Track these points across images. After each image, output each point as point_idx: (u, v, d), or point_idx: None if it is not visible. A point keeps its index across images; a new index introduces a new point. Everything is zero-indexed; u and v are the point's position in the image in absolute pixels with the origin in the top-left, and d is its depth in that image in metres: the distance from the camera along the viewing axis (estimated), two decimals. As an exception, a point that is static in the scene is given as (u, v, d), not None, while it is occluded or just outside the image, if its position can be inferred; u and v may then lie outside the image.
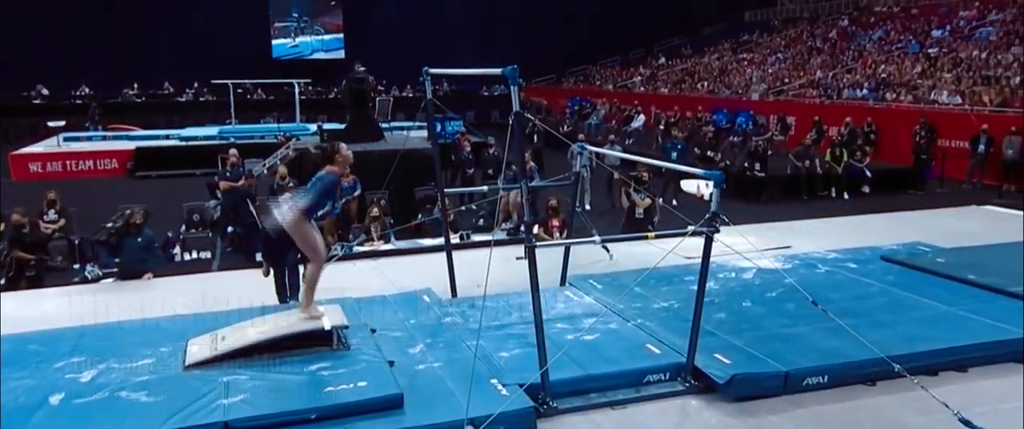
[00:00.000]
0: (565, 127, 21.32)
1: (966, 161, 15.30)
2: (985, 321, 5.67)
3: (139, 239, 8.37)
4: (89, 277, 9.50)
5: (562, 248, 8.77)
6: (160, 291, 7.93)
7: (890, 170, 15.47)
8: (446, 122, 19.76)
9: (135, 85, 28.30)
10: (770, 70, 24.30)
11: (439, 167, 7.75)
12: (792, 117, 19.35)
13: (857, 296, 6.43)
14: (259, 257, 7.64)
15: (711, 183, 8.80)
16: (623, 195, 10.68)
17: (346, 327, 5.81)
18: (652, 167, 9.86)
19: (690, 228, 5.10)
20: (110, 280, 8.89)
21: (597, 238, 5.25)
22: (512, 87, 4.86)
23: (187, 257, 11.30)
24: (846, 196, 14.45)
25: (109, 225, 8.52)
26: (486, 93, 30.75)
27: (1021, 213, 11.29)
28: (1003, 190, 14.14)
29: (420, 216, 12.11)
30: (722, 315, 6.21)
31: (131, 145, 19.80)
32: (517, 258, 5.09)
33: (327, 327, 5.73)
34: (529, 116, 5.24)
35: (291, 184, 11.15)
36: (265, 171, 13.49)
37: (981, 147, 14.93)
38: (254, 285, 7.79)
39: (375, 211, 9.83)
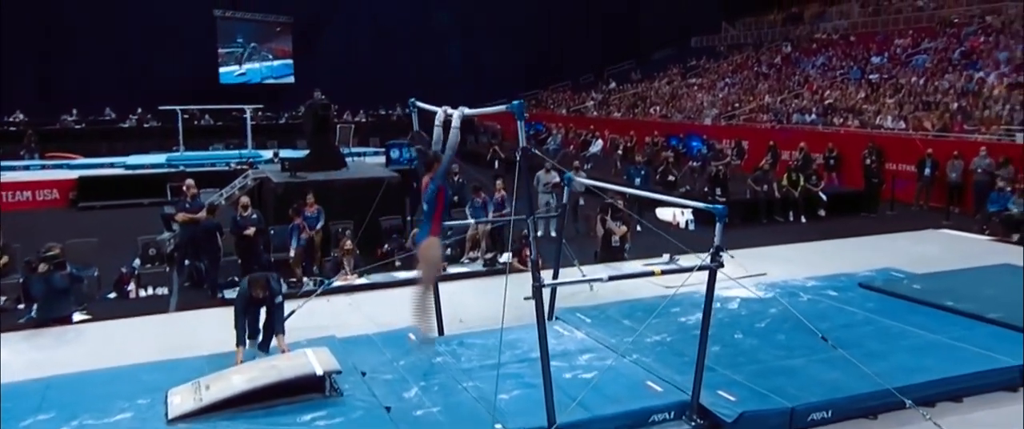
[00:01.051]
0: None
1: (913, 184, 15.85)
2: (974, 350, 5.78)
3: (56, 279, 7.69)
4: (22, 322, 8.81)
5: (546, 277, 8.69)
6: (118, 335, 7.49)
7: (843, 193, 15.90)
8: (404, 147, 19.48)
9: (74, 111, 27.20)
10: (720, 95, 24.86)
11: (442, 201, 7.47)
12: (746, 141, 19.77)
13: (844, 325, 6.48)
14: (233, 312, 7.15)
15: (688, 211, 8.84)
16: (599, 223, 10.64)
17: (338, 372, 5.56)
18: (625, 194, 9.86)
19: (697, 263, 5.03)
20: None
21: (604, 276, 5.13)
22: (519, 122, 4.76)
23: (143, 293, 10.78)
24: (803, 219, 14.77)
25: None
26: (440, 118, 30.60)
27: (975, 236, 11.76)
28: (949, 212, 14.66)
29: (387, 246, 11.89)
30: (717, 348, 6.16)
31: (73, 174, 18.93)
32: (525, 298, 4.93)
33: (319, 373, 5.47)
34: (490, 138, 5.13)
35: (254, 215, 10.79)
36: (223, 201, 13.01)
37: (927, 171, 15.49)
38: (216, 325, 7.43)
39: (347, 244, 9.53)
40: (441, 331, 6.97)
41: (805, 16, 30.67)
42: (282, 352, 6.56)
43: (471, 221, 9.19)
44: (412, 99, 6.77)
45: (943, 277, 7.93)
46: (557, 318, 7.20)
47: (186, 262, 10.97)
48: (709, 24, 33.50)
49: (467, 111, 5.43)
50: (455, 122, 5.38)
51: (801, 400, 5.06)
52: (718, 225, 5.05)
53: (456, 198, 14.43)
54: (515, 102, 4.79)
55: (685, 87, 27.61)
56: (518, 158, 4.78)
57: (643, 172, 14.62)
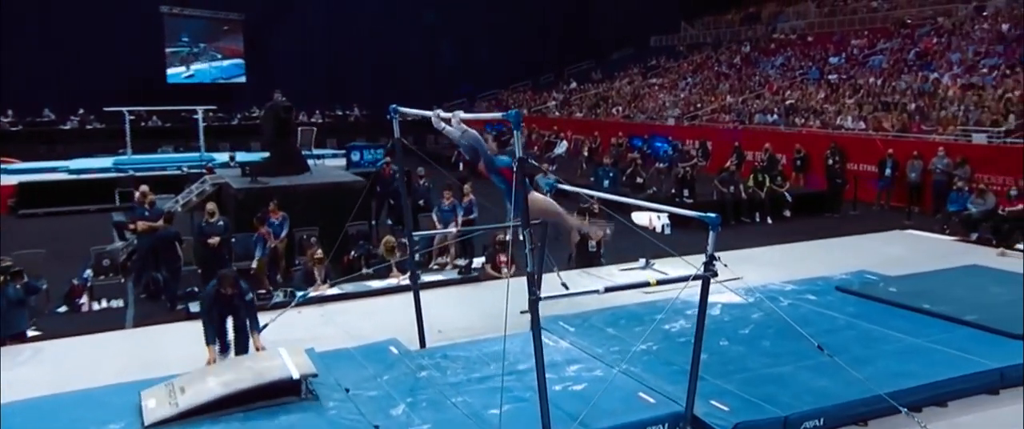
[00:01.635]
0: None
1: (874, 184, 16.29)
2: (954, 353, 5.96)
3: (11, 291, 7.42)
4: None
5: (517, 284, 8.68)
6: (79, 354, 7.23)
7: (807, 194, 16.26)
8: (365, 150, 19.28)
9: (9, 112, 26.19)
10: (682, 95, 25.19)
11: (408, 207, 7.43)
12: (709, 142, 20.06)
13: (827, 330, 6.62)
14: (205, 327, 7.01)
15: (664, 215, 8.91)
16: (574, 228, 10.63)
17: (314, 375, 5.46)
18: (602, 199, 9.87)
19: (693, 274, 5.07)
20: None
21: (601, 288, 5.12)
22: (516, 132, 4.73)
23: (96, 306, 10.42)
24: (770, 220, 15.06)
25: None
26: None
27: (938, 236, 12.16)
28: (911, 212, 15.11)
29: (353, 253, 11.73)
30: (705, 356, 6.14)
31: (13, 180, 18.20)
32: (522, 312, 4.91)
33: (295, 376, 5.37)
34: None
35: (220, 222, 10.52)
36: (180, 208, 12.65)
37: (887, 171, 15.94)
38: (182, 340, 7.25)
39: (318, 252, 9.37)
40: (422, 343, 6.91)
41: (763, 16, 31.27)
42: (257, 350, 6.52)
43: (450, 228, 9.04)
44: (393, 106, 6.67)
45: (915, 279, 8.17)
46: (541, 328, 7.17)
47: (144, 273, 10.65)
48: (668, 24, 33.92)
49: (463, 115, 5.41)
50: (455, 121, 5.41)
51: (794, 409, 5.15)
52: (711, 234, 5.09)
53: (422, 202, 14.38)
54: (512, 111, 4.76)
55: (646, 87, 27.90)
56: (514, 168, 4.75)
57: (611, 174, 14.72)
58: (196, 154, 21.17)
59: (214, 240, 9.90)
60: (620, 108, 25.97)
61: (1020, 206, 12.71)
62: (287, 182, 12.59)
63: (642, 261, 9.82)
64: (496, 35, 33.79)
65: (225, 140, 25.15)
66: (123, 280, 10.91)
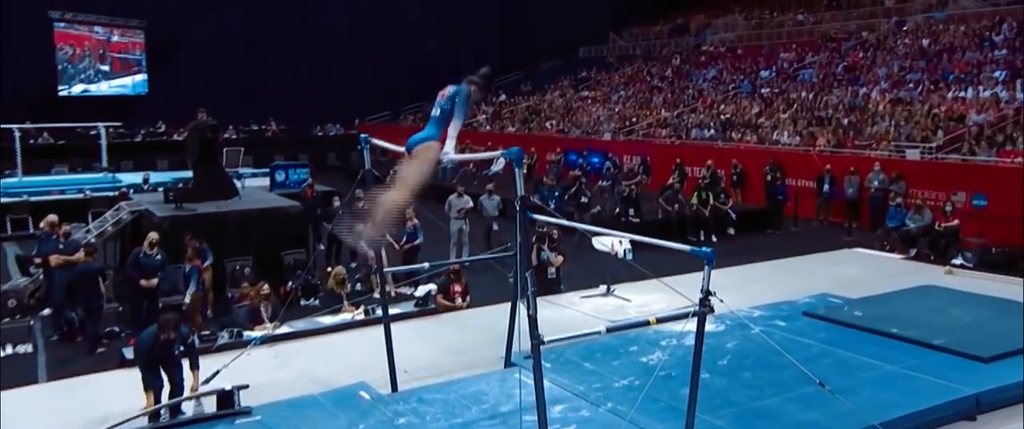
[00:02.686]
0: (418, 171, 21.06)
1: (813, 200, 17.06)
2: (931, 379, 6.30)
3: None
4: None
5: (474, 316, 8.70)
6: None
7: (749, 211, 16.85)
8: (290, 169, 18.80)
9: None
10: (616, 109, 25.72)
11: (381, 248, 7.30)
12: (646, 157, 20.54)
13: (804, 359, 6.83)
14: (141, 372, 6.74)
15: (626, 241, 9.07)
16: (534, 253, 10.70)
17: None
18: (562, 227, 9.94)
19: (690, 311, 5.19)
20: None
21: (603, 328, 5.17)
22: (516, 169, 4.75)
23: (1, 353, 9.76)
24: (714, 238, 15.52)
25: None
26: (320, 132, 29.77)
27: (884, 254, 12.82)
28: (850, 228, 15.89)
29: (290, 284, 11.43)
30: (686, 391, 6.36)
31: None
32: (526, 356, 4.88)
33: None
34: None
35: (158, 256, 10.05)
36: (94, 238, 12.01)
37: (826, 186, 16.72)
38: (113, 390, 6.93)
39: (265, 288, 9.08)
40: (395, 387, 6.79)
41: (691, 27, 32.36)
42: (193, 390, 6.63)
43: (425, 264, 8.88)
44: (364, 136, 6.57)
45: (876, 302, 8.59)
46: (513, 363, 7.19)
47: (60, 313, 10.06)
48: (596, 34, 34.62)
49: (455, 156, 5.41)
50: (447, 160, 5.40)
51: (791, 445, 5.32)
52: (706, 269, 5.22)
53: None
54: (513, 149, 4.78)
55: (578, 100, 28.37)
56: (517, 208, 4.77)
57: (557, 194, 14.87)
58: (99, 175, 20.18)
59: (151, 282, 9.46)
60: (554, 122, 26.30)
61: (956, 222, 13.56)
62: (216, 208, 12.16)
63: (603, 287, 9.96)
64: (420, 46, 33.69)
65: (128, 158, 24.11)
66: (30, 322, 10.30)
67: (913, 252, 13.25)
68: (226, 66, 30.81)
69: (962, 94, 18.68)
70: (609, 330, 5.37)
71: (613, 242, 9.62)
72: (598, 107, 26.61)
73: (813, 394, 6.10)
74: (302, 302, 11.14)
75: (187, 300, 10.11)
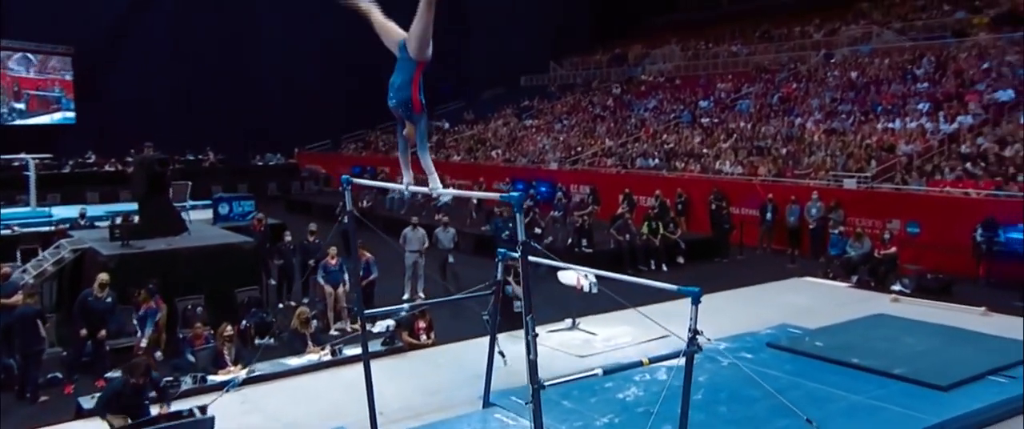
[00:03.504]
0: (364, 202, 20.92)
1: (757, 228, 17.62)
2: (898, 410, 6.60)
3: None
4: None
5: (442, 353, 8.69)
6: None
7: (696, 240, 17.29)
8: (234, 201, 18.34)
9: None
10: (561, 138, 26.10)
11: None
12: (595, 186, 20.86)
13: (775, 392, 7.09)
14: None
15: (592, 275, 9.20)
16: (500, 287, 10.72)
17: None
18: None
19: (682, 350, 5.32)
20: None
21: (599, 371, 5.25)
22: (517, 215, 4.82)
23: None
24: (665, 268, 15.86)
25: None
26: (259, 162, 29.23)
27: (832, 282, 13.32)
28: (793, 255, 16.47)
29: (244, 323, 11.18)
30: (667, 427, 6.49)
31: None
32: (526, 404, 4.91)
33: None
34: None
35: (109, 298, 9.72)
36: (31, 280, 11.48)
37: (768, 215, 17.31)
38: None
39: (228, 329, 8.85)
40: (375, 432, 6.72)
41: (629, 57, 33.16)
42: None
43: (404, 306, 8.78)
44: (346, 177, 6.54)
45: (835, 332, 8.94)
46: (492, 403, 7.20)
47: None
48: (537, 63, 35.13)
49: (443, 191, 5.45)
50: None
51: (778, 481, 5.49)
52: (693, 308, 5.37)
53: (312, 262, 13.94)
54: (514, 193, 4.86)
55: (523, 129, 28.67)
56: (519, 253, 4.83)
57: (511, 225, 14.96)
58: (27, 209, 19.27)
59: (102, 334, 9.14)
60: (499, 151, 26.49)
61: (893, 249, 14.23)
62: (166, 245, 11.83)
63: (568, 321, 10.07)
64: (361, 73, 33.51)
65: (55, 190, 23.12)
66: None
67: (855, 279, 13.81)
68: (158, 93, 30.09)
69: (891, 125, 19.66)
70: (606, 372, 5.46)
71: (578, 276, 9.76)
72: (543, 136, 26.96)
73: (788, 427, 6.31)
74: (257, 341, 10.92)
75: (144, 343, 9.81)
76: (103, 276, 9.42)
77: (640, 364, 5.75)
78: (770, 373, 7.62)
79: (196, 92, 30.33)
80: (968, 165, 16.42)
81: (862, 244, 14.47)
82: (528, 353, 4.88)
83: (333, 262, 11.81)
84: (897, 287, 13.23)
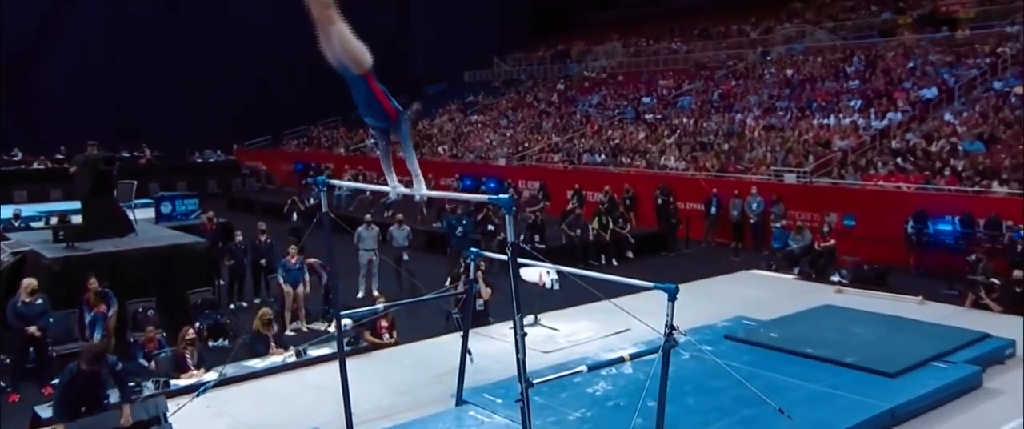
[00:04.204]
0: (311, 199, 20.64)
1: (701, 222, 18.09)
2: (852, 396, 6.93)
3: None
4: None
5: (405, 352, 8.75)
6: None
7: (645, 234, 17.65)
8: (177, 200, 17.86)
9: None
10: (507, 134, 26.22)
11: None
12: (544, 182, 21.06)
13: (737, 383, 7.34)
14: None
15: (553, 272, 9.36)
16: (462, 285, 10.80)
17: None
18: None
19: (661, 345, 5.48)
20: None
21: (584, 367, 5.37)
22: (507, 217, 4.90)
23: None
24: (615, 262, 16.16)
25: None
26: (199, 159, 28.47)
27: (778, 275, 13.78)
28: (737, 248, 16.98)
29: (199, 324, 10.97)
30: (639, 420, 6.67)
31: None
32: (516, 401, 4.99)
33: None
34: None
35: (38, 301, 9.41)
36: (-33, 286, 11.02)
37: (713, 209, 17.80)
38: None
39: (190, 333, 8.68)
40: (351, 435, 6.72)
41: (572, 53, 33.49)
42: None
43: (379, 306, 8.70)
44: (321, 178, 6.50)
45: (787, 323, 9.30)
46: (466, 401, 7.28)
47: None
48: (480, 59, 35.15)
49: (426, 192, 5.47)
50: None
51: (749, 469, 5.73)
52: (669, 304, 5.54)
53: (264, 262, 13.75)
54: (503, 195, 4.94)
55: (469, 125, 28.68)
56: (509, 254, 4.92)
57: (465, 222, 15.03)
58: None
59: (33, 330, 8.87)
60: (446, 147, 26.46)
61: (832, 241, 14.81)
62: (114, 247, 11.49)
63: (531, 318, 10.20)
64: (301, 67, 32.91)
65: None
66: None
67: (796, 271, 14.34)
68: (90, 89, 29.00)
69: (826, 121, 20.41)
70: (590, 369, 5.61)
71: (541, 272, 9.91)
72: (489, 132, 27.03)
73: (755, 416, 6.58)
74: (211, 343, 10.75)
75: (94, 349, 9.52)
76: (30, 282, 9.20)
77: (622, 360, 5.89)
78: (731, 364, 7.87)
79: (129, 87, 29.35)
80: (899, 160, 17.19)
81: (803, 237, 15.01)
82: (517, 352, 4.98)
83: (293, 261, 11.67)
84: (836, 278, 13.80)
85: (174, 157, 28.15)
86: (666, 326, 5.54)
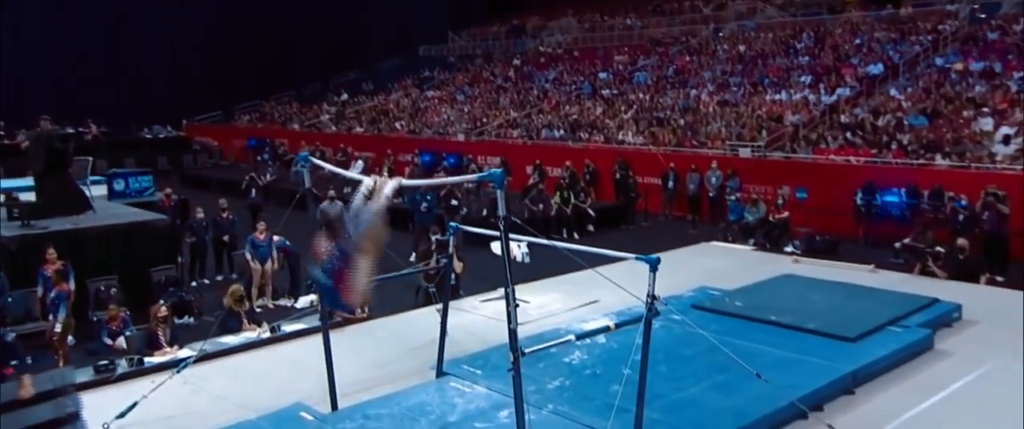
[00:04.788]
0: (268, 175, 20.41)
1: (659, 196, 18.43)
2: (816, 361, 7.23)
3: None
4: None
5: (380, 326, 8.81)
6: None
7: (604, 208, 17.91)
8: (131, 177, 17.44)
9: None
10: (465, 109, 26.16)
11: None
12: (505, 158, 21.12)
13: (707, 350, 7.59)
14: None
15: (524, 245, 9.48)
16: (434, 260, 10.86)
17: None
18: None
19: (643, 314, 5.65)
20: None
21: (572, 336, 5.51)
22: (499, 192, 4.99)
23: None
24: (577, 236, 16.38)
25: None
26: (148, 135, 27.72)
27: (736, 246, 14.14)
28: (694, 221, 17.36)
29: (161, 303, 10.83)
30: (616, 387, 6.86)
31: None
32: (509, 370, 5.11)
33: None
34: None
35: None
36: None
37: (670, 183, 18.13)
38: None
39: (162, 310, 8.58)
40: (335, 405, 6.77)
41: (527, 28, 33.46)
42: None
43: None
44: (304, 154, 6.48)
45: (749, 292, 9.60)
46: (445, 373, 7.38)
47: None
48: (435, 34, 34.87)
49: (406, 182, 5.45)
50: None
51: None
52: (651, 274, 5.72)
53: (226, 238, 13.61)
54: (495, 171, 5.01)
55: (425, 100, 28.51)
56: (502, 227, 5.00)
57: (429, 197, 15.05)
58: None
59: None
60: (403, 123, 26.29)
61: (786, 214, 15.27)
62: (72, 225, 11.25)
63: (500, 290, 10.30)
64: (253, 42, 32.23)
65: None
66: None
67: (752, 242, 14.75)
68: (32, 64, 27.97)
69: (777, 96, 20.90)
70: (578, 337, 5.77)
71: (513, 246, 10.01)
72: (446, 107, 26.93)
73: (726, 381, 6.84)
74: (176, 321, 10.63)
75: (57, 329, 9.34)
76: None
77: (607, 329, 6.06)
78: (700, 333, 8.13)
79: (73, 60, 28.36)
80: (848, 134, 17.73)
81: (758, 209, 15.44)
82: (509, 322, 5.08)
83: (261, 237, 11.58)
84: (790, 249, 14.26)
85: (121, 133, 27.37)
86: (648, 296, 5.69)
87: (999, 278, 11.98)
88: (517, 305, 5.00)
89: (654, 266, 5.63)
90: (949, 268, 11.09)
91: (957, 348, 8.06)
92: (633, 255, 5.94)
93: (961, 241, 11.53)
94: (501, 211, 5.00)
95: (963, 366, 7.50)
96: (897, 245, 13.13)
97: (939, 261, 11.28)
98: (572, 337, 5.71)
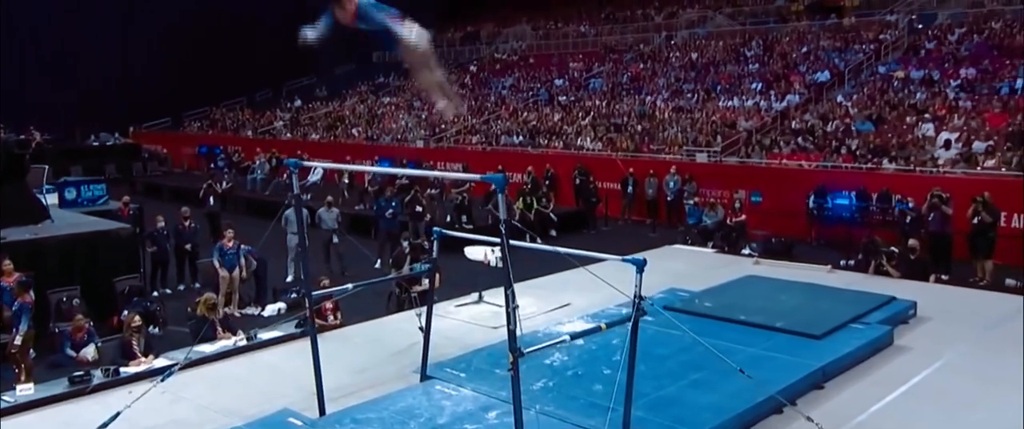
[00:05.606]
0: (225, 183, 20.12)
1: (619, 201, 18.78)
2: (786, 358, 7.55)
3: None
4: None
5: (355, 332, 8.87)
6: None
7: (566, 213, 18.17)
8: (83, 185, 17.06)
9: None
10: (423, 115, 26.18)
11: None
12: (466, 164, 21.22)
13: (682, 349, 7.86)
14: None
15: (497, 249, 9.67)
16: (409, 267, 10.94)
17: None
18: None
19: (628, 313, 5.85)
20: None
21: (567, 336, 5.66)
22: (499, 196, 5.11)
23: None
24: (539, 241, 16.55)
25: None
26: (95, 142, 27.00)
27: (695, 248, 14.53)
28: (654, 225, 17.75)
29: (126, 312, 10.68)
30: (598, 386, 7.07)
31: None
32: (509, 368, 5.24)
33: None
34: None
35: None
36: None
37: (629, 188, 18.50)
38: None
39: (136, 320, 8.47)
40: (322, 410, 6.80)
41: (482, 35, 33.64)
42: None
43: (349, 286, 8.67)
44: (293, 161, 6.51)
45: (717, 293, 9.92)
46: (430, 377, 7.47)
47: None
48: (389, 40, 34.73)
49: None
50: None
51: (709, 425, 6.21)
52: (637, 276, 5.92)
53: (189, 247, 13.46)
54: (497, 174, 5.13)
55: (382, 107, 28.44)
56: (503, 231, 5.13)
57: (394, 203, 15.08)
58: None
59: None
60: (360, 129, 26.17)
61: (743, 217, 15.75)
62: (31, 234, 11.00)
63: (475, 295, 10.45)
64: (202, 47, 31.62)
65: None
66: None
67: (711, 245, 15.18)
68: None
69: (730, 103, 21.49)
70: (573, 337, 5.95)
71: (486, 251, 10.16)
72: (403, 114, 26.91)
73: (702, 379, 7.10)
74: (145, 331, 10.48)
75: (18, 341, 9.14)
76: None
77: (599, 329, 6.25)
78: (673, 333, 8.37)
79: (19, 67, 27.46)
80: (799, 139, 18.36)
81: (716, 213, 15.89)
82: (508, 323, 5.20)
83: (229, 245, 11.48)
84: (747, 251, 14.72)
85: (66, 140, 26.62)
86: (635, 296, 5.90)
87: (944, 276, 12.60)
88: (516, 306, 5.10)
89: (640, 267, 5.83)
90: (902, 268, 11.63)
91: (915, 343, 8.49)
92: (619, 257, 6.10)
93: (912, 242, 12.10)
94: (502, 214, 5.15)
95: (922, 360, 7.91)
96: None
97: (893, 261, 11.81)
98: (566, 337, 5.85)
